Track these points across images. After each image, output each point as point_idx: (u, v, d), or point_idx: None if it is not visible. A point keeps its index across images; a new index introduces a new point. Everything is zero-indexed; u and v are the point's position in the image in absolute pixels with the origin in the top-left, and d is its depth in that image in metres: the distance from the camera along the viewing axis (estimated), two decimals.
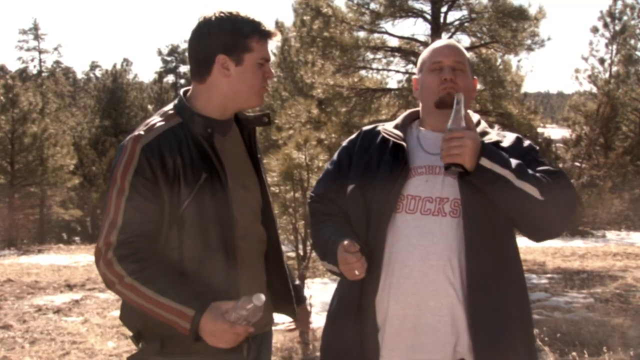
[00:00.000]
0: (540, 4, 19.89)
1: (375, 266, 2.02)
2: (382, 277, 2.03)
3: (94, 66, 54.91)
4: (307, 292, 6.34)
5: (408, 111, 2.31)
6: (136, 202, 1.89)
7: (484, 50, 11.26)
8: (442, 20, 11.12)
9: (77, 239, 24.84)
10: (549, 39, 11.00)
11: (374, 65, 11.82)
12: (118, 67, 37.54)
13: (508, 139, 2.15)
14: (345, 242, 1.94)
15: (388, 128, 2.20)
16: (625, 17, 26.02)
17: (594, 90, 26.05)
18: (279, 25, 21.82)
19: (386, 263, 2.03)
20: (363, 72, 11.79)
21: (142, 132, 1.95)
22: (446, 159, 1.93)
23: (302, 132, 7.37)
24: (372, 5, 11.07)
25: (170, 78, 47.85)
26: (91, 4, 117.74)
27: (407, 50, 11.56)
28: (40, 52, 47.21)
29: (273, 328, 2.29)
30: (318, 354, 5.76)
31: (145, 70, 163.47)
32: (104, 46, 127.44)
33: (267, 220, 2.17)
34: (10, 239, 20.81)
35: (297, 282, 2.36)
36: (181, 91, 2.11)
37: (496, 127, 11.07)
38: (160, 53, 49.77)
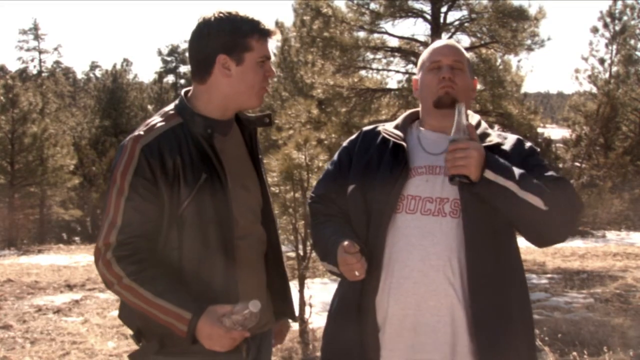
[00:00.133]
0: (540, 4, 19.94)
1: (376, 266, 2.02)
2: (382, 277, 2.03)
3: (94, 66, 54.96)
4: (307, 292, 6.36)
5: (408, 111, 2.31)
6: (136, 202, 1.89)
7: (484, 51, 11.25)
8: (442, 20, 11.12)
9: (77, 239, 24.84)
10: (549, 39, 11.01)
11: (374, 66, 11.82)
12: (118, 67, 37.54)
13: (509, 140, 2.15)
14: (345, 243, 1.95)
15: (388, 128, 2.20)
16: (625, 17, 25.98)
17: (594, 90, 26.02)
18: (279, 25, 21.80)
19: (386, 263, 2.03)
20: (363, 72, 11.79)
21: (142, 132, 1.95)
22: (451, 170, 1.93)
23: (302, 132, 7.37)
24: (372, 5, 11.07)
25: (170, 78, 47.89)
26: (91, 4, 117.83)
27: (407, 51, 11.56)
28: (40, 52, 47.20)
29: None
30: (318, 354, 5.76)
31: (145, 70, 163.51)
32: (104, 46, 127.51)
33: (267, 221, 2.17)
34: (10, 239, 20.81)
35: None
36: (182, 91, 2.12)
37: (496, 127, 11.07)
38: (160, 53, 49.83)
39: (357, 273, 1.96)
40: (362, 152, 2.19)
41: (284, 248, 2.30)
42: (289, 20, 39.92)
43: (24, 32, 46.92)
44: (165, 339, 1.94)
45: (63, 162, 22.84)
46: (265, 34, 2.01)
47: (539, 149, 2.19)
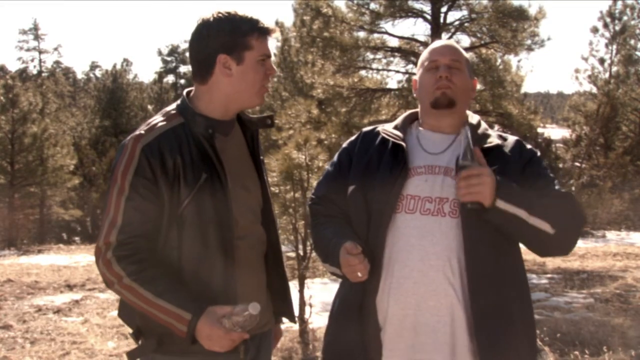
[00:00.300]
0: (540, 4, 19.93)
1: (376, 266, 2.02)
2: (382, 278, 2.03)
3: (94, 66, 55.01)
4: (307, 292, 6.36)
5: (408, 112, 2.32)
6: (136, 202, 1.90)
7: (483, 51, 11.24)
8: (442, 20, 11.11)
9: (77, 239, 24.84)
10: (549, 39, 11.00)
11: (374, 66, 11.81)
12: (118, 67, 37.57)
13: (509, 143, 2.15)
14: (348, 244, 1.95)
15: (387, 129, 2.21)
16: (625, 17, 25.98)
17: (594, 90, 26.02)
18: (279, 25, 21.81)
19: (386, 263, 2.03)
20: (363, 72, 11.78)
21: (142, 132, 1.96)
22: (466, 197, 1.92)
23: (302, 132, 7.37)
24: (372, 5, 11.06)
25: (170, 78, 47.92)
26: (91, 4, 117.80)
27: (407, 51, 11.56)
28: (40, 52, 47.23)
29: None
30: (318, 354, 5.76)
31: (145, 70, 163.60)
32: (104, 46, 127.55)
33: (267, 221, 2.17)
34: (10, 239, 20.81)
35: None
36: (184, 92, 2.12)
37: (496, 127, 11.07)
38: (160, 53, 49.84)
39: (359, 274, 1.96)
40: (362, 153, 2.19)
41: (284, 248, 2.30)
42: (289, 20, 39.94)
43: (24, 32, 47.01)
44: (165, 338, 1.94)
45: (63, 162, 22.84)
46: (265, 32, 2.02)
47: (539, 152, 2.19)
